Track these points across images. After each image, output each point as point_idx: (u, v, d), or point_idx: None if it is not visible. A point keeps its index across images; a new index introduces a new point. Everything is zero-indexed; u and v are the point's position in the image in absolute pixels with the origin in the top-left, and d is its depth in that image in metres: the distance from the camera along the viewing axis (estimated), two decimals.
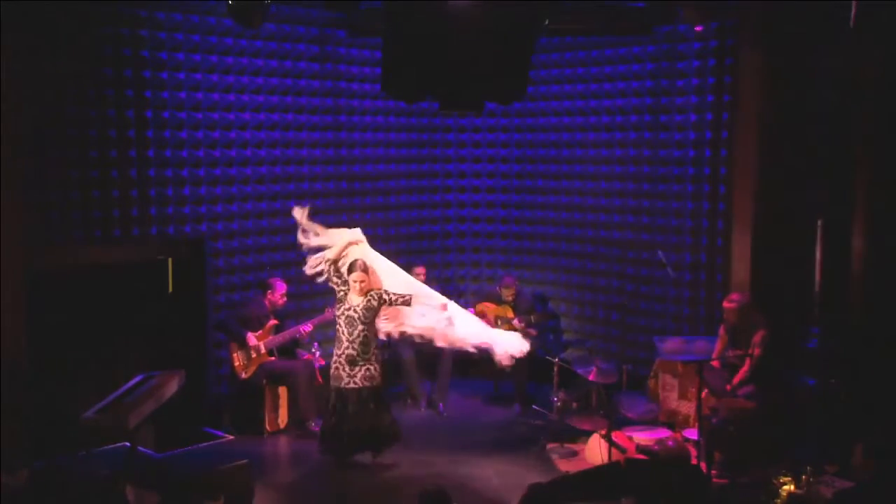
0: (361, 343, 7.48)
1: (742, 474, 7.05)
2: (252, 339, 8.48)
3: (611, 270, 9.96)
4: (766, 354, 7.57)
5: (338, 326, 7.56)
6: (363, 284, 7.48)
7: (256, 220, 9.16)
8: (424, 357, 9.21)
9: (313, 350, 8.83)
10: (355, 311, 7.48)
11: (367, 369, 7.51)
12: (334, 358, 7.58)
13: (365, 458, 7.71)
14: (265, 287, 8.72)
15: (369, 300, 7.49)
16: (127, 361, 8.18)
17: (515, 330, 9.49)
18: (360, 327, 7.47)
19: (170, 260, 8.79)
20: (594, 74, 9.90)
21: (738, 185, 8.69)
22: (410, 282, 7.85)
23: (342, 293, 7.55)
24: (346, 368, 7.48)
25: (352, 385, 7.49)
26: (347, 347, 7.48)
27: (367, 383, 7.51)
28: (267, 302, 8.66)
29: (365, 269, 7.51)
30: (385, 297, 7.52)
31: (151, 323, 8.60)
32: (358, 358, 7.47)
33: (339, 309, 7.56)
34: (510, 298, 9.67)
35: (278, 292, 8.67)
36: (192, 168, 8.64)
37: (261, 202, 9.18)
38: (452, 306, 7.77)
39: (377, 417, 7.59)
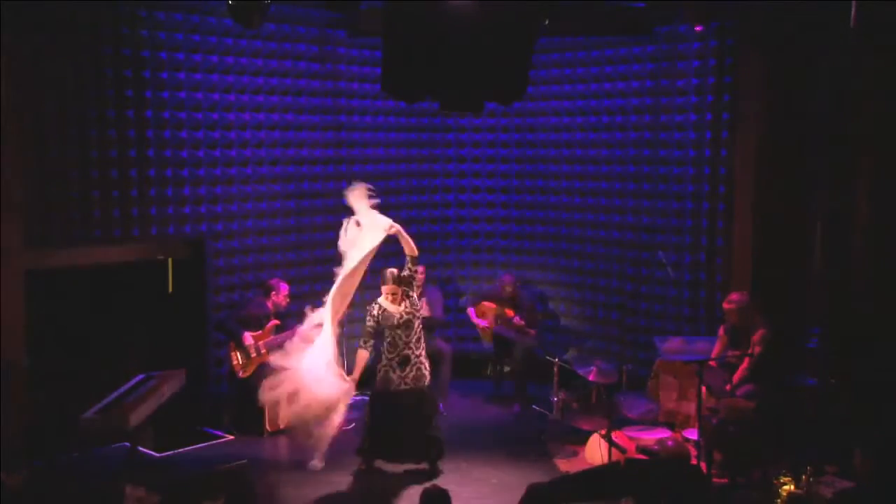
0: (416, 340, 7.48)
1: (742, 474, 7.05)
2: (249, 338, 8.48)
3: (611, 270, 9.96)
4: (766, 354, 7.57)
5: (388, 338, 7.48)
6: (395, 296, 7.47)
7: (256, 220, 9.16)
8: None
9: None
10: (402, 315, 7.44)
11: (418, 368, 7.45)
12: (383, 362, 7.47)
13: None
14: (268, 289, 8.71)
15: (411, 301, 7.49)
16: (127, 361, 8.18)
17: (515, 328, 9.52)
18: (416, 323, 7.47)
19: (170, 260, 8.80)
20: (594, 74, 9.90)
21: (739, 185, 8.69)
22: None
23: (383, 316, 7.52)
24: (398, 371, 7.40)
25: (402, 387, 7.40)
26: (403, 348, 7.42)
27: (418, 384, 7.45)
28: (270, 303, 8.66)
29: (395, 280, 7.47)
30: (412, 277, 7.54)
31: (151, 323, 8.60)
32: (412, 357, 7.43)
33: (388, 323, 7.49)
34: (508, 297, 9.67)
35: (282, 293, 8.68)
36: (192, 168, 8.64)
37: (261, 202, 9.18)
38: None
39: (428, 425, 7.51)
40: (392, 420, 7.46)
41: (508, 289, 9.67)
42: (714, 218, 9.09)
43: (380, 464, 7.64)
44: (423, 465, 7.56)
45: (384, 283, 7.51)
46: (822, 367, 7.50)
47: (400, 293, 7.49)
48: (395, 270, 7.57)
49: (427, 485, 5.45)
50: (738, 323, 7.79)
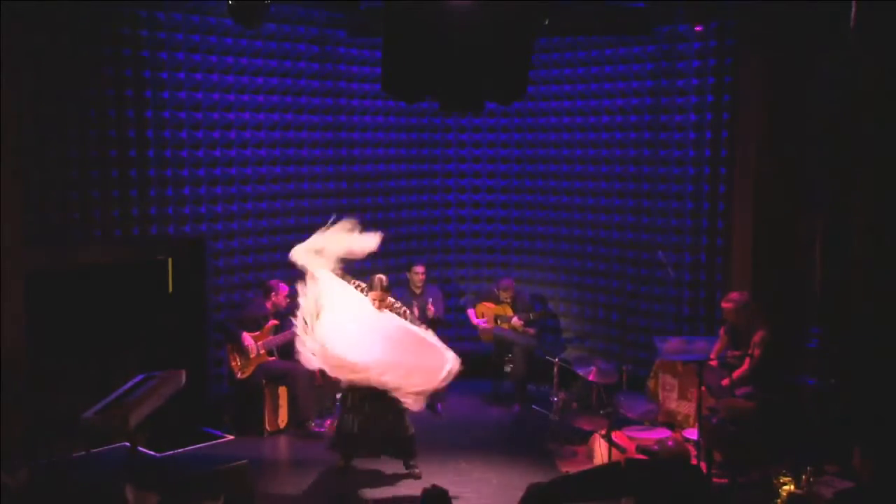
0: None
1: (742, 474, 7.05)
2: (248, 339, 8.48)
3: (611, 270, 9.97)
4: (766, 354, 7.56)
5: None
6: (381, 304, 7.47)
7: (256, 220, 9.16)
8: None
9: None
10: None
11: None
12: None
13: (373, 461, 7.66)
14: (267, 290, 8.71)
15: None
16: (127, 361, 8.18)
17: (515, 328, 9.53)
18: None
19: (170, 260, 8.80)
20: (594, 74, 9.90)
21: (738, 185, 8.69)
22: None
23: None
24: None
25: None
26: None
27: None
28: (269, 304, 8.66)
29: (382, 288, 7.48)
30: (399, 311, 7.56)
31: (151, 323, 8.60)
32: None
33: None
34: (508, 300, 9.68)
35: (281, 294, 8.67)
36: (192, 168, 8.64)
37: (261, 202, 9.18)
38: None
39: (396, 424, 7.45)
40: (358, 413, 7.46)
41: (506, 291, 9.68)
42: (714, 218, 9.09)
43: (375, 463, 7.64)
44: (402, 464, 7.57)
45: (372, 289, 7.49)
46: (822, 367, 7.50)
47: (388, 302, 7.52)
48: (383, 277, 7.56)
49: (427, 486, 5.44)
50: (737, 322, 7.79)
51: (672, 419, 8.22)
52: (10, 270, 7.25)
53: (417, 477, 7.46)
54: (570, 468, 7.52)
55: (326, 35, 9.50)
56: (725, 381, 7.59)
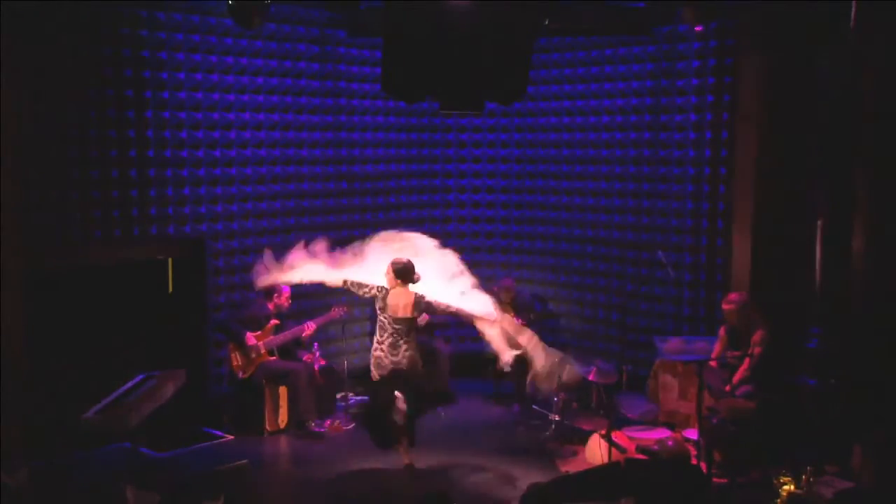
0: (407, 331, 7.48)
1: (742, 474, 7.05)
2: (251, 339, 8.48)
3: (611, 270, 9.97)
4: (765, 354, 7.56)
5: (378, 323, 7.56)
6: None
7: (256, 220, 9.16)
8: (422, 356, 9.17)
9: (313, 350, 8.83)
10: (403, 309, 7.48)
11: (411, 353, 7.45)
12: (374, 348, 7.51)
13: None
14: (269, 291, 8.69)
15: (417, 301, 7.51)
16: (127, 361, 8.18)
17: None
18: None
19: (170, 260, 8.80)
20: (594, 74, 9.90)
21: (738, 185, 8.69)
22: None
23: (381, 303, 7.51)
24: (390, 356, 7.42)
25: (400, 367, 7.41)
26: (392, 333, 7.44)
27: (413, 366, 7.44)
28: (272, 305, 8.66)
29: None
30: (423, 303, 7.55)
31: (151, 323, 8.60)
32: (401, 342, 7.42)
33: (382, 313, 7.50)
34: (509, 301, 9.68)
35: (284, 296, 8.65)
36: (192, 168, 8.64)
37: (261, 202, 9.18)
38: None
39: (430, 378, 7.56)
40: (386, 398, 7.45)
41: (508, 292, 9.67)
42: (714, 218, 9.10)
43: (375, 463, 7.63)
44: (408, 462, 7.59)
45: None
46: (822, 367, 7.50)
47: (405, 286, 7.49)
48: (401, 259, 7.53)
49: (428, 488, 5.45)
50: (737, 323, 7.79)
51: (672, 419, 8.23)
52: (10, 270, 7.25)
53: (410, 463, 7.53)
54: (570, 468, 7.53)
55: (326, 35, 9.50)
56: (728, 388, 7.59)
